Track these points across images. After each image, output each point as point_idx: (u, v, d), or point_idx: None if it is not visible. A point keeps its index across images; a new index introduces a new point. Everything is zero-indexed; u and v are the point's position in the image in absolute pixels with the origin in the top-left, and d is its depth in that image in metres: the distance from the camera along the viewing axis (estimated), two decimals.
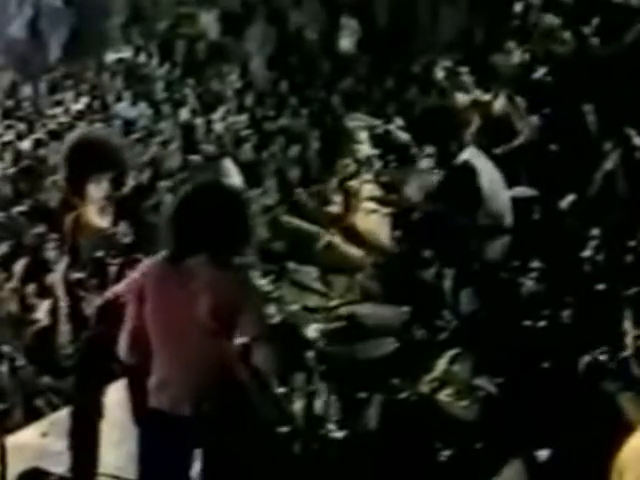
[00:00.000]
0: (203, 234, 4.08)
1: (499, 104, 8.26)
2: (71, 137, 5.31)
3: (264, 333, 4.22)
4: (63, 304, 4.94)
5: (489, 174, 7.08)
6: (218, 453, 4.20)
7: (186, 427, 4.14)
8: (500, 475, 5.17)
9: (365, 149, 7.85)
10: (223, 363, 4.14)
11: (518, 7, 9.45)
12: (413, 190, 7.29)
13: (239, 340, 4.17)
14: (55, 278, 5.08)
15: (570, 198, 7.18)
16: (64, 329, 5.16)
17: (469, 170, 7.15)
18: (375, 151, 7.75)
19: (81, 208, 4.99)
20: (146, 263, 4.32)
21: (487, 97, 8.42)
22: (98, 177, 4.86)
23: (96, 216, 4.95)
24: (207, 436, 4.16)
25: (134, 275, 4.32)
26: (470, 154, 7.34)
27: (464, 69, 9.44)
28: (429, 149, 7.63)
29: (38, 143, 12.64)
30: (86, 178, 4.89)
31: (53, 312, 7.24)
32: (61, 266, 5.04)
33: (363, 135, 8.11)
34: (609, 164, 7.11)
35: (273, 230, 8.38)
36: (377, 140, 7.76)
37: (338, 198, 8.00)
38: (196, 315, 4.04)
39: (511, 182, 7.30)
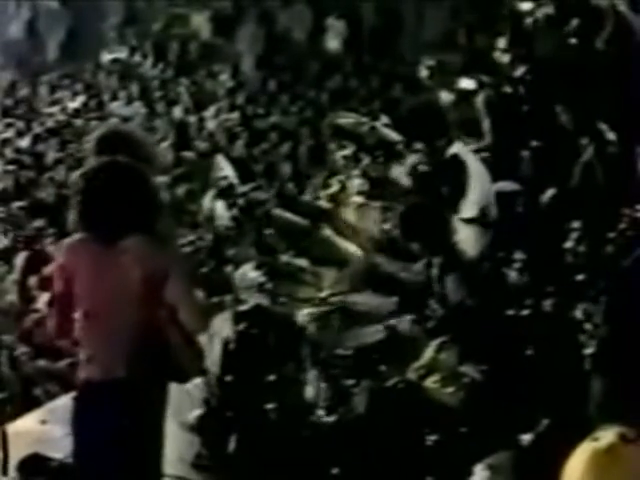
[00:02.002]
0: (119, 212, 4.31)
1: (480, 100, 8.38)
2: (100, 129, 5.50)
3: (190, 294, 4.50)
4: None
5: (475, 168, 7.16)
6: (150, 414, 4.42)
7: (118, 390, 4.33)
8: (486, 459, 5.25)
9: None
10: (153, 327, 4.38)
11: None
12: (401, 184, 7.40)
13: (168, 302, 4.39)
14: None
15: (550, 192, 7.28)
16: None
17: (457, 164, 7.23)
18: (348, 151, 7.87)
19: None
20: (67, 244, 4.48)
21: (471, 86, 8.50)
22: None
23: None
24: (140, 396, 4.36)
25: (58, 257, 4.52)
26: (457, 148, 7.41)
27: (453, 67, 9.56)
28: (417, 145, 7.74)
29: (36, 140, 12.76)
30: None
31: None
32: None
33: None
34: (585, 157, 7.20)
35: (266, 224, 8.50)
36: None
37: (328, 193, 8.11)
38: (127, 286, 4.27)
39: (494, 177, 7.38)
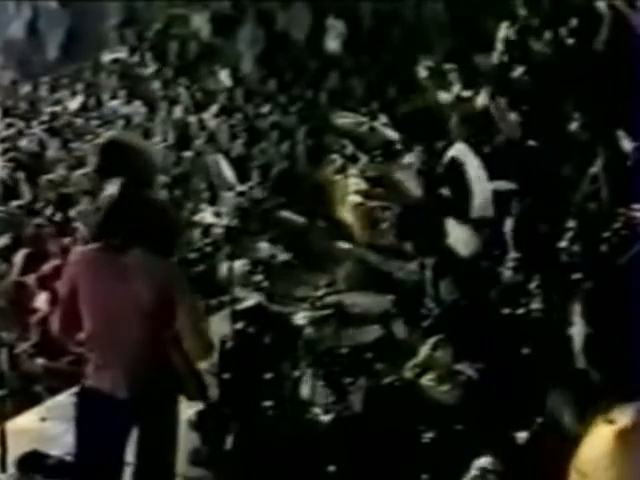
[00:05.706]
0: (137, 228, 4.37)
1: (481, 100, 8.39)
2: (100, 139, 5.57)
3: (195, 321, 4.44)
4: None
5: (475, 169, 7.16)
6: (151, 433, 4.47)
7: (123, 408, 4.38)
8: (482, 456, 5.27)
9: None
10: (158, 348, 4.41)
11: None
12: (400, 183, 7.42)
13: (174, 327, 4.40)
14: None
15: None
16: None
17: (457, 166, 7.24)
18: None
19: None
20: (77, 251, 4.60)
21: (468, 93, 8.53)
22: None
23: None
24: (142, 417, 4.42)
25: (67, 262, 4.58)
26: (457, 150, 7.41)
27: (449, 67, 9.59)
28: (416, 146, 7.75)
29: (36, 139, 12.80)
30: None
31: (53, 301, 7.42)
32: None
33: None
34: (596, 166, 7.18)
35: (263, 223, 8.53)
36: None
37: (326, 192, 8.14)
38: (135, 302, 4.30)
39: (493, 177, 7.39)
